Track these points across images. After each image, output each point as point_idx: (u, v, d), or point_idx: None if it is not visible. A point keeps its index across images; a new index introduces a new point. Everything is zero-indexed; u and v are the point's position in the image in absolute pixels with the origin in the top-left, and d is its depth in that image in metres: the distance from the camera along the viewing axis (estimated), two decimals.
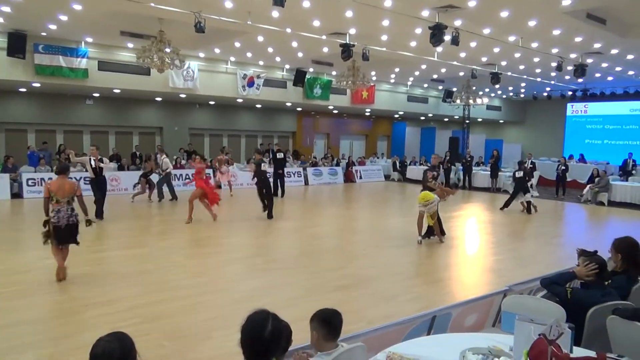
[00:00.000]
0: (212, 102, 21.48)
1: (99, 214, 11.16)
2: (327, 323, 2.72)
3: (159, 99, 20.03)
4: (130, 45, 15.10)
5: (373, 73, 20.14)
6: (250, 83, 18.40)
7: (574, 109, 27.09)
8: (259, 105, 22.80)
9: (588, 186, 17.09)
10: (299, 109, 24.42)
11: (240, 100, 19.94)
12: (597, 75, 19.37)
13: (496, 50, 14.82)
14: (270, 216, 11.79)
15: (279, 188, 16.63)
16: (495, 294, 4.37)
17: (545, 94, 25.36)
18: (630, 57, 15.62)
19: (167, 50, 11.91)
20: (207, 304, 5.80)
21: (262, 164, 12.00)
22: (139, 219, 11.57)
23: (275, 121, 24.79)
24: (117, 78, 15.81)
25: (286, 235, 10.31)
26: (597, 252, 3.83)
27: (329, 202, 16.22)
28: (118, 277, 6.81)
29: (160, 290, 6.24)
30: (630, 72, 18.85)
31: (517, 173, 14.48)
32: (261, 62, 18.31)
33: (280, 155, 16.78)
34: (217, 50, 16.11)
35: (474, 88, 20.75)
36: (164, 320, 5.27)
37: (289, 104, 21.73)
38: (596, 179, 17.06)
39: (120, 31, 13.61)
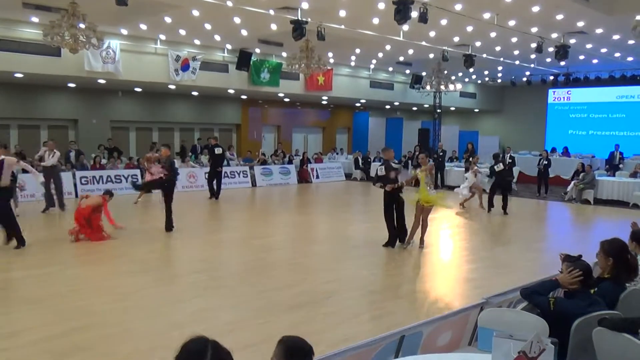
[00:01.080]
0: (138, 89, 21.03)
1: (16, 237, 9.47)
2: (290, 357, 2.67)
3: (72, 85, 19.43)
4: (35, 19, 14.57)
5: (330, 55, 20.24)
6: (185, 66, 18.13)
7: (556, 95, 28.17)
8: (195, 93, 22.50)
9: (572, 182, 17.81)
10: (244, 97, 24.26)
11: (172, 87, 19.61)
12: (581, 57, 20.20)
13: (469, 29, 15.21)
14: (169, 228, 11.11)
15: (215, 189, 16.73)
16: (470, 307, 4.46)
17: (524, 78, 26.22)
18: (616, 37, 16.38)
19: (82, 26, 11.57)
20: (135, 333, 5.67)
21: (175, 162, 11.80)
22: (48, 230, 11.18)
23: (215, 112, 24.53)
24: (20, 60, 15.21)
25: (230, 248, 10.22)
26: (582, 256, 3.98)
27: (281, 207, 16.18)
28: (23, 303, 6.55)
29: (76, 318, 6.04)
30: (617, 54, 19.76)
31: (496, 167, 14.94)
32: (197, 42, 18.07)
33: (218, 151, 16.68)
34: (143, 27, 15.78)
35: (445, 72, 21.24)
36: (80, 355, 5.11)
37: (231, 91, 21.54)
38: (581, 175, 17.79)
39: (22, 2, 13.11)
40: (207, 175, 17.44)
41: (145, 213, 14.01)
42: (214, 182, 16.69)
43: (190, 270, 8.26)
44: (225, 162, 18.31)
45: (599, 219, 14.98)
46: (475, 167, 15.62)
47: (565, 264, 3.96)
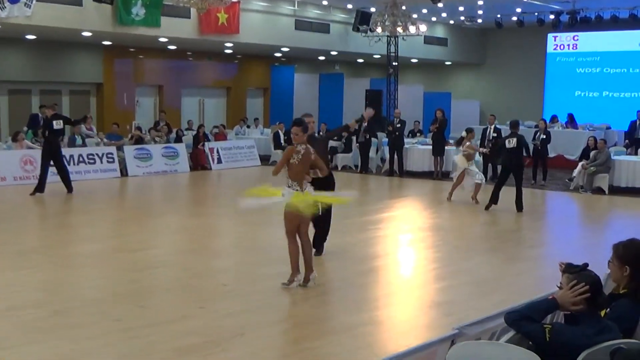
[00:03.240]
0: None
1: None
2: None
3: None
4: None
5: None
6: None
7: (557, 42, 28.98)
8: (31, 37, 21.78)
9: (580, 164, 18.38)
10: (107, 43, 23.75)
11: None
12: None
13: None
14: None
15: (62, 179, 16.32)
16: (438, 341, 4.52)
17: (514, 18, 26.80)
18: None
19: None
20: None
21: None
22: None
23: (64, 65, 23.87)
24: None
25: (86, 267, 9.98)
26: (588, 265, 4.09)
27: (165, 206, 15.97)
28: None
29: None
30: None
31: (507, 141, 14.63)
32: None
33: (58, 125, 16.18)
34: None
35: (403, 8, 21.50)
36: None
37: (87, 35, 21.01)
38: (592, 153, 18.41)
39: None
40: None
41: None
42: (50, 170, 16.26)
43: (22, 302, 7.99)
44: (79, 141, 17.82)
45: (615, 213, 15.61)
46: (468, 143, 15.59)
47: (565, 276, 4.04)
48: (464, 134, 15.97)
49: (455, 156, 16.55)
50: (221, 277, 9.32)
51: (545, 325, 3.91)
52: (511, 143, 14.44)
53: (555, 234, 13.44)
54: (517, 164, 14.55)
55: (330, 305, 8.14)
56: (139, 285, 8.76)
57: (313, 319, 7.64)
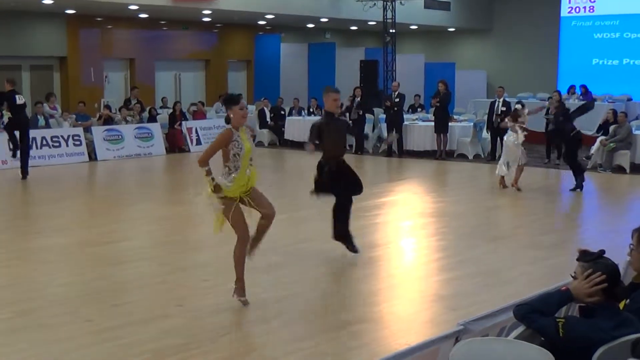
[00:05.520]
0: None
1: None
2: None
3: None
4: None
5: None
6: None
7: (572, 4, 28.85)
8: None
9: (598, 140, 18.45)
10: (71, 11, 23.64)
11: None
12: None
13: None
14: None
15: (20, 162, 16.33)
16: (441, 338, 4.57)
17: None
18: None
19: None
20: None
21: None
22: None
23: (22, 36, 23.70)
24: None
25: (53, 262, 9.97)
26: (604, 253, 4.13)
27: (139, 193, 15.94)
28: None
29: None
30: None
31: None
32: None
33: (20, 100, 16.06)
34: None
35: None
36: None
37: (48, 2, 20.94)
38: (611, 128, 18.47)
39: None
40: (10, 143, 16.84)
41: None
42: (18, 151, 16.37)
43: None
44: (42, 122, 17.67)
45: (637, 194, 15.64)
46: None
47: (579, 265, 4.08)
48: (518, 106, 15.54)
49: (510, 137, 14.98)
50: (201, 272, 9.32)
51: (558, 319, 3.94)
52: None
53: (571, 218, 13.48)
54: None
55: (324, 301, 8.15)
56: (112, 282, 8.74)
57: (304, 316, 7.66)
